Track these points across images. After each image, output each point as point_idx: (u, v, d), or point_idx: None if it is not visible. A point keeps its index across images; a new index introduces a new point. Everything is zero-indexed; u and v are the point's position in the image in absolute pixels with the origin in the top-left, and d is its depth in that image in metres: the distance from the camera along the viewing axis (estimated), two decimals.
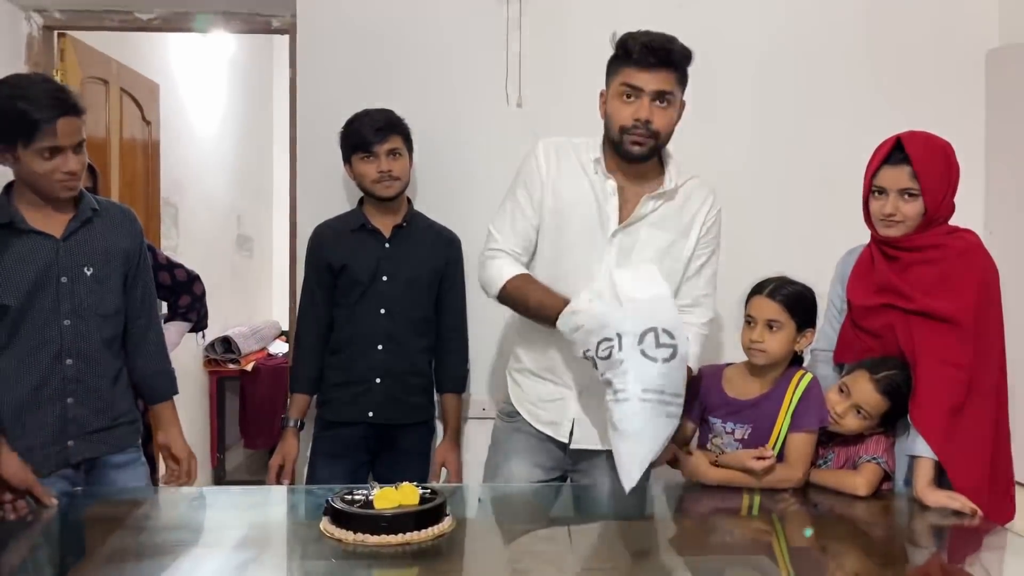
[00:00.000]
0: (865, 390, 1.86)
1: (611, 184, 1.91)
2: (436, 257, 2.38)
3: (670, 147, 1.97)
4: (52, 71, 2.80)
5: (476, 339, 2.53)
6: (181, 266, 2.76)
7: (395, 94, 2.58)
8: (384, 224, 2.35)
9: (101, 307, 1.88)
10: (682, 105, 1.91)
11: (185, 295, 2.75)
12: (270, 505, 1.86)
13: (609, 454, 1.86)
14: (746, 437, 1.93)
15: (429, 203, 2.56)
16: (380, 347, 2.30)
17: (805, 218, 2.63)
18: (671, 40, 1.84)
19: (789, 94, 2.66)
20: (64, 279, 1.82)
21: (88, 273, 1.85)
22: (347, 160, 2.34)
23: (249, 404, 4.51)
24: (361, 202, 2.39)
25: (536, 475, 2.01)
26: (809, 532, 1.76)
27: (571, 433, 1.99)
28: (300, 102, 2.64)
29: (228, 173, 4.80)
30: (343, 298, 2.32)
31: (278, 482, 2.31)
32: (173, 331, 2.81)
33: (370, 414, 2.30)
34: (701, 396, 2.00)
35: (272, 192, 5.47)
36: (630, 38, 1.84)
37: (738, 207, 2.53)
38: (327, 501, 1.54)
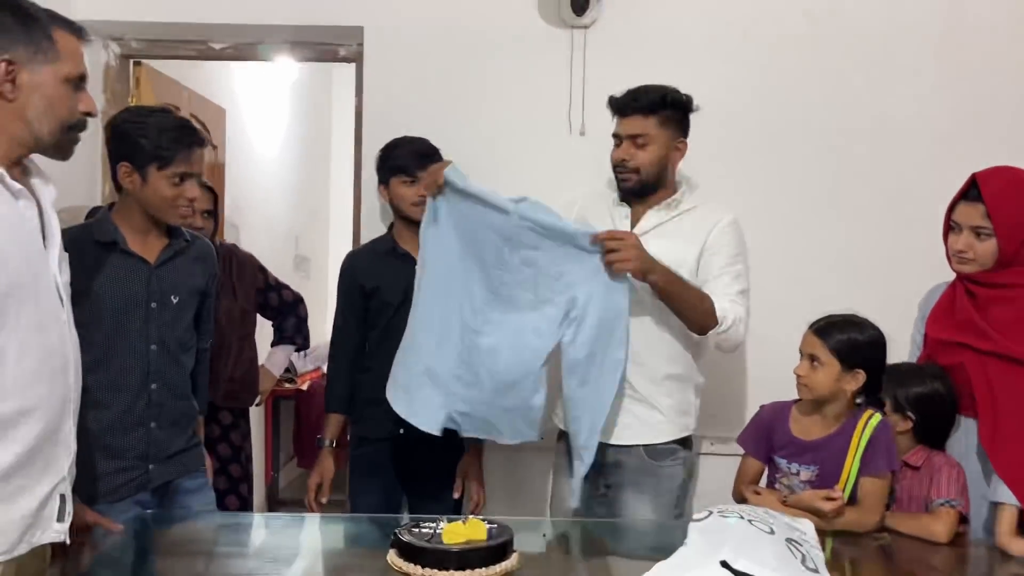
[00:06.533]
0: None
1: (624, 210, 2.15)
2: None
3: (691, 175, 2.16)
4: (128, 98, 2.89)
5: None
6: (287, 287, 2.81)
7: (458, 120, 2.62)
8: (414, 247, 2.30)
9: (181, 335, 1.94)
10: (678, 144, 2.10)
11: (292, 317, 2.80)
12: (335, 534, 1.87)
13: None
14: (813, 479, 1.88)
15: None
16: None
17: (876, 253, 2.58)
18: (644, 90, 2.08)
19: (860, 125, 2.61)
20: (153, 305, 1.88)
21: (174, 301, 1.91)
22: (384, 182, 2.37)
23: (304, 423, 4.55)
24: (391, 227, 2.43)
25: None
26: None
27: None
28: (366, 129, 2.68)
29: (287, 195, 4.90)
30: (375, 320, 2.35)
31: (317, 500, 2.34)
32: (281, 355, 2.87)
33: (400, 430, 2.27)
34: (768, 434, 1.96)
35: (328, 214, 5.56)
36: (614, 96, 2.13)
37: (807, 241, 2.52)
38: (394, 533, 1.53)
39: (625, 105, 2.09)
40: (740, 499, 1.92)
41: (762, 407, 2.01)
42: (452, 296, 2.05)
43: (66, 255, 1.47)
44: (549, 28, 2.63)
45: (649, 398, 2.08)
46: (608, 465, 2.09)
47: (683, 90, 2.10)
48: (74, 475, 1.45)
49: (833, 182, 2.61)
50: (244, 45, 2.83)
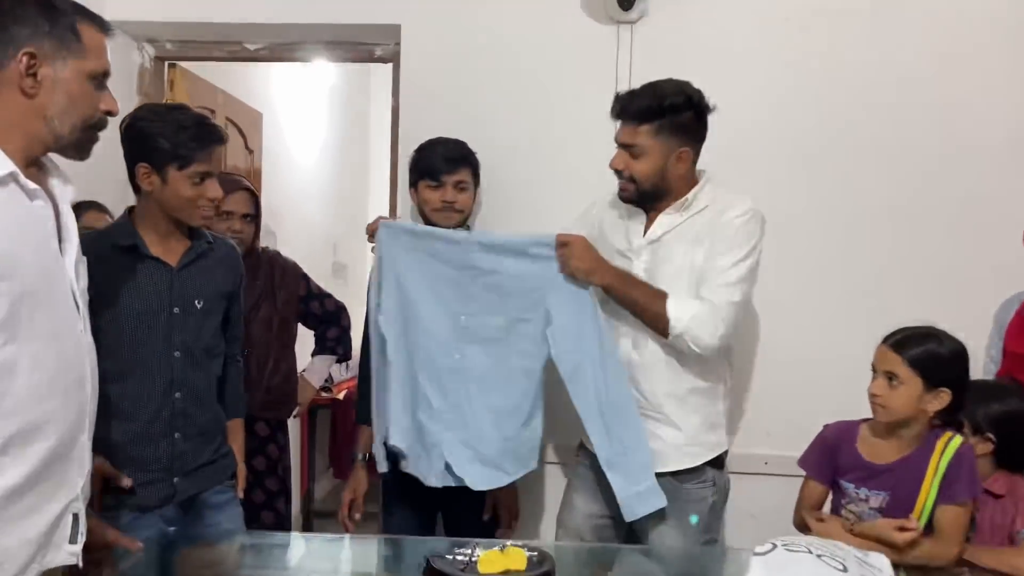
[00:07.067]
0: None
1: (639, 216, 2.02)
2: None
3: (708, 172, 1.99)
4: (162, 100, 2.84)
5: None
6: (330, 296, 2.76)
7: (499, 121, 2.52)
8: None
9: (207, 341, 1.86)
10: (680, 154, 1.91)
11: (334, 327, 2.76)
12: (366, 557, 1.79)
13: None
14: (883, 506, 1.73)
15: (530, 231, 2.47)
16: None
17: (946, 261, 2.39)
18: (639, 94, 1.92)
19: (928, 124, 2.43)
20: (176, 310, 1.81)
21: (198, 306, 1.84)
22: (413, 185, 2.30)
23: (340, 433, 4.48)
24: None
25: (593, 510, 2.03)
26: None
27: None
28: (402, 130, 2.60)
29: (325, 201, 4.84)
30: None
31: (350, 515, 2.26)
32: (321, 365, 2.83)
33: None
34: (832, 455, 1.82)
35: (367, 220, 5.48)
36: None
37: (871, 249, 2.38)
38: (427, 560, 1.43)
39: (618, 110, 1.94)
40: (801, 526, 1.78)
41: (826, 426, 1.87)
42: (419, 347, 2.04)
43: (83, 259, 1.40)
44: (594, 24, 2.51)
45: (672, 417, 1.93)
46: None
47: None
48: (88, 493, 1.37)
49: (899, 186, 2.44)
50: (278, 45, 2.77)
